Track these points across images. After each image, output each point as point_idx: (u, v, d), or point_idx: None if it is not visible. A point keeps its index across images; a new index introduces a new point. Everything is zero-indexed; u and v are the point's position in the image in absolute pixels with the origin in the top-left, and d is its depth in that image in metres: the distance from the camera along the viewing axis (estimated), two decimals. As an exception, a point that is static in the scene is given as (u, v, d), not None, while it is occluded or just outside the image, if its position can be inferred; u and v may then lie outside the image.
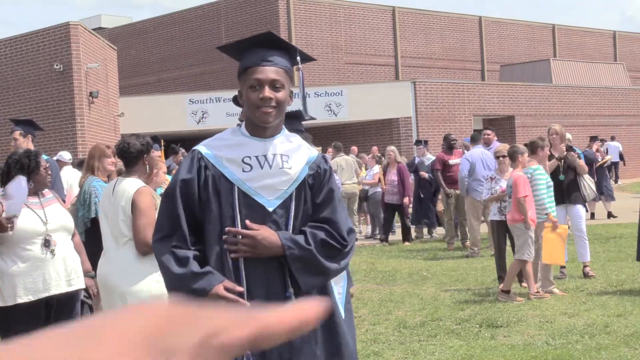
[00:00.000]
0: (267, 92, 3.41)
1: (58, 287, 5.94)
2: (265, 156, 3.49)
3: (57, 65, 22.99)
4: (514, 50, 44.58)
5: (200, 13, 39.26)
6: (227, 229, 3.43)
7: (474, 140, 15.31)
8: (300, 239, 3.47)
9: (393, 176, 16.84)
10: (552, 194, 10.33)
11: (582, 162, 11.66)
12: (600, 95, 36.35)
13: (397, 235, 17.72)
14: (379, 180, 17.68)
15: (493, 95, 32.76)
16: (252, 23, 35.75)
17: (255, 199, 3.45)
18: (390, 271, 12.78)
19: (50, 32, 23.65)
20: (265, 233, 3.43)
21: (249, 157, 3.47)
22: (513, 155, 10.47)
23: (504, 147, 11.36)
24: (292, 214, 3.48)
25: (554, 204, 10.29)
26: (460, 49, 43.12)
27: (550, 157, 11.31)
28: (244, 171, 3.46)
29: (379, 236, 17.61)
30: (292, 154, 3.55)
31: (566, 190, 11.31)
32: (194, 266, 3.37)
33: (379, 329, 8.75)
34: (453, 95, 31.18)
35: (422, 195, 17.34)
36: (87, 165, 7.96)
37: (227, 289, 3.35)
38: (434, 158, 17.08)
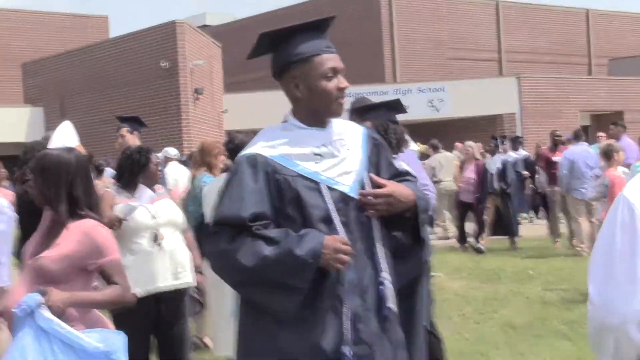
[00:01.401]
0: (344, 80, 3.28)
1: (165, 280, 6.01)
2: (331, 143, 3.31)
3: (163, 62, 23.44)
4: (622, 44, 43.35)
5: (302, 9, 39.46)
6: (359, 191, 3.23)
7: (577, 137, 14.87)
8: (415, 189, 3.37)
9: (470, 173, 15.83)
10: None
11: None
12: None
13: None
14: (454, 177, 17.19)
15: (601, 90, 31.95)
16: (354, 18, 35.71)
17: (337, 188, 3.23)
18: (494, 269, 12.60)
19: (157, 31, 24.14)
20: (398, 187, 3.30)
21: (318, 147, 3.27)
22: (608, 154, 10.18)
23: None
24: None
25: None
26: (566, 43, 42.19)
27: None
28: (316, 163, 3.24)
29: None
30: (346, 136, 3.38)
31: None
32: (290, 232, 3.10)
33: (484, 328, 8.64)
34: (559, 90, 30.54)
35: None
36: (201, 161, 8.05)
37: (340, 241, 3.11)
38: (519, 156, 16.35)
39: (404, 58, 36.26)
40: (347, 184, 3.26)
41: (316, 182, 3.23)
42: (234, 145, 6.55)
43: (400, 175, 3.47)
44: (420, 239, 3.38)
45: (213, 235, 3.19)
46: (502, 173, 15.33)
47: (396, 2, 36.43)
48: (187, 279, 6.09)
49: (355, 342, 3.14)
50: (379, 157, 3.45)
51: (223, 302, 6.48)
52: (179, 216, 6.31)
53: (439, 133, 22.62)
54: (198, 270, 6.29)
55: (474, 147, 16.41)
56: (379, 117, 6.10)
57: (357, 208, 3.25)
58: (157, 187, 6.34)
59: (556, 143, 15.80)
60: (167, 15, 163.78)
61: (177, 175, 11.31)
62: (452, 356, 7.39)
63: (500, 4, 40.29)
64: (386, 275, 3.26)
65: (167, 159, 12.35)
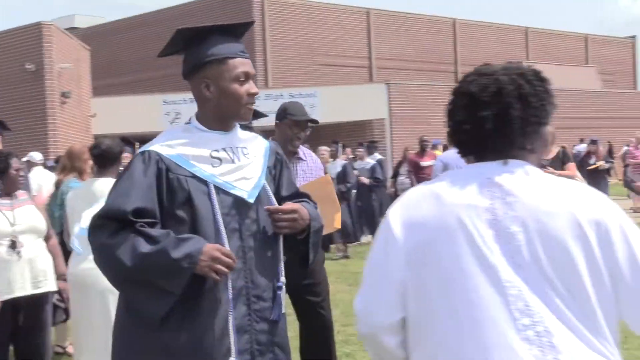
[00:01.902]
0: (255, 86, 3.26)
1: (22, 289, 5.85)
2: (231, 148, 3.26)
3: (28, 65, 22.81)
4: (487, 53, 44.72)
5: (174, 14, 39.11)
6: (266, 207, 3.21)
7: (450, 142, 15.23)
8: (311, 210, 3.36)
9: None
10: None
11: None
12: (572, 98, 36.61)
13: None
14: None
15: (466, 97, 32.84)
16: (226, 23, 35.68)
17: (234, 193, 3.19)
18: (361, 272, 12.74)
19: (22, 32, 23.48)
20: (299, 206, 3.29)
21: (217, 151, 3.22)
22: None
23: None
24: (265, 205, 3.26)
25: None
26: (434, 51, 43.22)
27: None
28: (213, 166, 3.19)
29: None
30: (249, 144, 3.35)
31: None
32: (172, 234, 3.04)
33: (351, 330, 8.74)
34: (427, 97, 31.24)
35: (359, 204, 16.33)
36: (70, 166, 7.85)
37: (220, 251, 3.04)
38: (344, 162, 16.55)
39: (275, 63, 36.39)
40: (246, 190, 3.22)
41: (208, 185, 3.17)
42: (100, 151, 6.40)
43: (299, 196, 3.45)
44: (307, 259, 3.38)
45: (96, 229, 3.12)
46: (343, 177, 15.65)
47: (269, 8, 36.54)
48: (47, 287, 5.93)
49: (240, 352, 3.11)
50: (281, 174, 3.45)
51: (86, 307, 6.33)
52: (41, 223, 6.14)
53: (311, 138, 22.79)
54: (62, 278, 6.15)
55: (326, 152, 16.60)
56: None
57: (257, 214, 3.22)
58: (20, 192, 6.17)
59: (424, 148, 16.18)
60: (34, 17, 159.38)
61: (42, 180, 11.00)
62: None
63: (371, 11, 40.94)
64: (284, 281, 3.27)
65: (31, 164, 12.00)
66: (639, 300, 2.23)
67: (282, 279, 3.26)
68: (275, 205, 3.28)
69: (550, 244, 2.22)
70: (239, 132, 3.35)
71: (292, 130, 6.03)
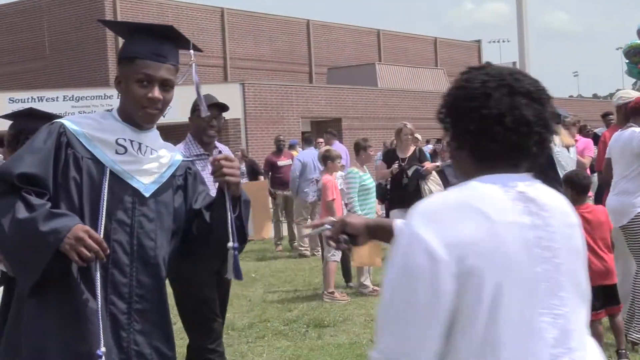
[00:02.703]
0: (157, 92, 3.19)
1: None
2: (140, 143, 3.21)
3: None
4: (341, 54, 45.34)
5: (20, 8, 37.82)
6: (214, 157, 3.16)
7: (308, 141, 15.39)
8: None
9: None
10: (372, 195, 10.27)
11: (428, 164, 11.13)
12: (422, 99, 37.52)
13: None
14: None
15: (321, 98, 33.18)
16: (76, 20, 34.80)
17: (130, 183, 3.14)
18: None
19: None
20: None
21: (124, 140, 3.18)
22: (325, 159, 10.62)
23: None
24: (162, 209, 3.20)
25: (369, 206, 10.08)
26: (289, 52, 43.44)
27: (396, 157, 10.94)
28: (117, 153, 3.15)
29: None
30: (160, 150, 3.30)
31: (407, 195, 10.50)
32: (47, 206, 2.96)
33: None
34: (282, 97, 31.37)
35: None
36: None
37: (88, 233, 2.94)
38: None
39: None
40: (144, 183, 3.17)
41: (104, 170, 3.11)
42: None
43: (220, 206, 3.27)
44: (245, 234, 3.28)
45: None
46: None
47: (121, 5, 35.85)
48: None
49: (117, 351, 3.05)
50: (194, 187, 3.35)
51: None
52: None
53: (169, 136, 22.45)
54: None
55: None
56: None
57: (154, 213, 3.17)
58: None
59: (280, 148, 16.24)
60: None
61: None
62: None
63: (226, 10, 40.78)
64: (164, 275, 3.22)
65: None
66: None
67: (163, 273, 3.21)
68: (176, 211, 3.26)
69: (573, 259, 2.20)
70: (154, 136, 3.32)
71: (204, 120, 5.92)
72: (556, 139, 9.24)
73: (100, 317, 2.98)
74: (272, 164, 15.92)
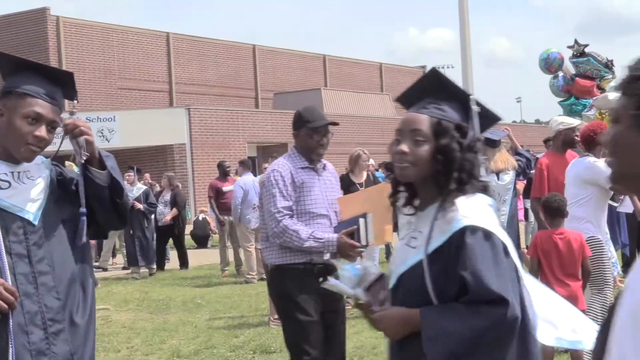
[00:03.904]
0: (44, 131, 3.24)
1: None
2: (18, 173, 3.28)
3: None
4: (287, 79, 45.51)
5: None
6: (67, 120, 3.26)
7: (246, 166, 15.28)
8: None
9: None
10: None
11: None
12: (369, 124, 37.82)
13: (172, 263, 17.55)
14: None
15: (267, 123, 33.25)
16: (20, 44, 34.39)
17: (21, 215, 3.22)
18: (164, 299, 12.60)
19: None
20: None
21: (6, 174, 3.25)
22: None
23: None
24: (52, 227, 3.29)
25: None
26: (235, 77, 43.48)
27: (351, 183, 11.05)
28: (1, 188, 3.23)
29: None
30: (32, 168, 3.35)
31: None
32: None
33: (152, 359, 8.60)
34: (228, 122, 31.35)
35: (133, 232, 15.95)
36: None
37: (3, 286, 3.08)
38: (144, 187, 16.67)
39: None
40: (32, 212, 3.25)
41: None
42: None
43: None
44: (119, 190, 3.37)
45: None
46: (145, 200, 16.12)
47: (64, 30, 35.58)
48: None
49: None
50: (65, 182, 3.42)
51: None
52: None
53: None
54: None
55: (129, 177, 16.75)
56: None
57: (44, 237, 3.25)
58: None
59: (225, 173, 16.19)
60: None
61: None
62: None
63: (171, 35, 40.72)
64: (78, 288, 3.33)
65: None
66: None
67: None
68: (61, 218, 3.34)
69: None
70: (28, 164, 3.35)
71: (313, 138, 5.48)
72: (490, 164, 9.33)
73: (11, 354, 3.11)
74: (217, 189, 15.85)
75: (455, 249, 2.73)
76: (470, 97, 2.94)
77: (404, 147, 2.86)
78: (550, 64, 17.06)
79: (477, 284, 2.67)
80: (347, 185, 11.10)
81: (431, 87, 2.95)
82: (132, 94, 37.71)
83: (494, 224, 2.79)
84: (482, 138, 3.12)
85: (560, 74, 17.17)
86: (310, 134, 5.42)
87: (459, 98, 2.95)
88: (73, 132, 3.22)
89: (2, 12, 36.77)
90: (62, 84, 3.37)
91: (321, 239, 5.12)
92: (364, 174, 11.20)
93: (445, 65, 79.24)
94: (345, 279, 3.05)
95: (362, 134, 36.43)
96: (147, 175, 20.58)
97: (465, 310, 2.68)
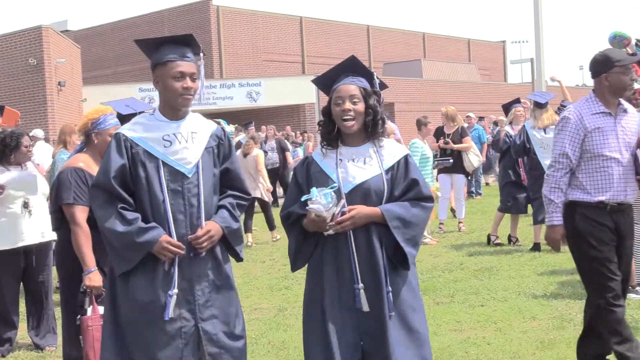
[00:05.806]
0: (190, 82, 3.37)
1: (33, 238, 5.84)
2: (181, 133, 3.41)
3: (32, 60, 22.21)
4: (393, 52, 44.85)
5: (148, 19, 38.30)
6: (189, 237, 3.37)
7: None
8: (222, 218, 3.48)
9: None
10: (429, 163, 10.17)
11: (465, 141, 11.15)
12: (459, 88, 37.06)
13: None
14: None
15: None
16: (189, 28, 35.01)
17: (177, 169, 3.37)
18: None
19: (26, 33, 22.82)
20: (212, 224, 3.45)
21: (168, 135, 3.39)
22: (418, 125, 10.74)
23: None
24: (202, 178, 3.41)
25: (426, 171, 9.91)
26: (352, 50, 42.49)
27: (443, 133, 11.12)
28: (164, 147, 3.38)
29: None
30: (199, 129, 3.49)
31: (452, 164, 10.95)
32: (140, 222, 3.30)
33: (289, 269, 8.77)
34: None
35: None
36: (59, 140, 7.71)
37: (169, 243, 3.30)
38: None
39: (229, 59, 36.01)
40: (187, 167, 3.39)
41: (158, 161, 3.35)
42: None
43: (228, 174, 3.56)
44: (238, 255, 3.64)
45: (92, 198, 3.40)
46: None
47: (223, 16, 36.03)
48: (50, 236, 5.89)
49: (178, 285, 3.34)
50: (218, 151, 3.53)
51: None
52: (46, 187, 6.08)
53: (255, 118, 22.68)
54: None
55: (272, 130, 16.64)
56: None
57: (197, 180, 3.39)
58: (29, 164, 6.10)
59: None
60: (34, 20, 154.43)
61: (42, 153, 10.79)
62: (262, 290, 7.46)
63: (303, 18, 40.66)
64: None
65: (35, 139, 11.73)
66: None
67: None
68: (214, 171, 3.49)
69: None
70: (190, 119, 3.49)
71: (626, 75, 4.28)
72: (538, 122, 8.96)
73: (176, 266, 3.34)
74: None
75: (403, 166, 3.35)
76: (374, 74, 3.48)
77: (348, 106, 3.32)
78: (613, 44, 16.00)
79: (420, 187, 3.32)
80: (439, 135, 11.22)
81: (351, 68, 3.43)
82: (273, 65, 37.95)
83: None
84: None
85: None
86: (622, 73, 4.27)
87: (367, 75, 3.43)
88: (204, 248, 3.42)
89: (174, 4, 37.51)
90: (188, 44, 3.44)
91: None
92: (454, 126, 11.27)
93: (522, 40, 76.62)
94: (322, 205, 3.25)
95: (454, 95, 35.73)
96: (287, 127, 20.78)
97: (413, 205, 3.30)
